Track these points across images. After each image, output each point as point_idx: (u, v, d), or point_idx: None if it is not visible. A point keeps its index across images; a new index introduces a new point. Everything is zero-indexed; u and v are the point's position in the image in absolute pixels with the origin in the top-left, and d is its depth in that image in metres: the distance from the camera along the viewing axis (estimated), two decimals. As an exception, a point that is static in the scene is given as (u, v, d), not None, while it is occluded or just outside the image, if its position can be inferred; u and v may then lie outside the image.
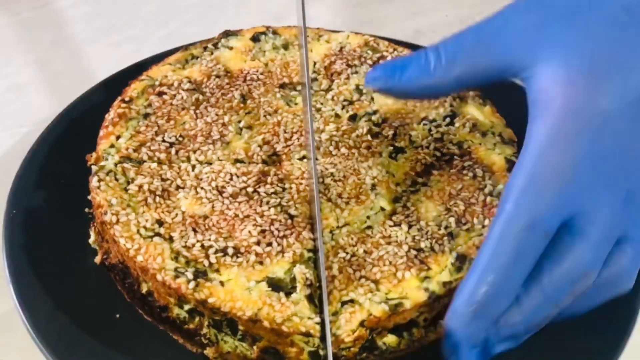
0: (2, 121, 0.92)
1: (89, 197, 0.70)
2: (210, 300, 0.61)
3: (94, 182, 0.68)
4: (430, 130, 0.75)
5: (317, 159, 0.72)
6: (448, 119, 0.76)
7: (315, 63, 0.81)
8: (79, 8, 1.10)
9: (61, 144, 0.79)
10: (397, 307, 0.61)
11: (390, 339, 0.63)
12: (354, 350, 0.62)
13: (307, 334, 0.60)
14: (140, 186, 0.68)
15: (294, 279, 0.63)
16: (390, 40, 0.85)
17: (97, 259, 0.70)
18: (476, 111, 0.77)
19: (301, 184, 0.70)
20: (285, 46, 0.83)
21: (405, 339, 0.64)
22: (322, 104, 0.77)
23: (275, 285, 0.62)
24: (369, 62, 0.81)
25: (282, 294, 0.62)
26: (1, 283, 0.69)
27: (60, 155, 0.78)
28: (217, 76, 0.79)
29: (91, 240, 0.71)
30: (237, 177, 0.70)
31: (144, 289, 0.65)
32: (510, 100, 0.82)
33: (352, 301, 0.62)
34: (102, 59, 1.02)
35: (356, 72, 0.80)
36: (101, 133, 0.73)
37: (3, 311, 0.72)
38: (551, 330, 0.62)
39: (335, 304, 0.62)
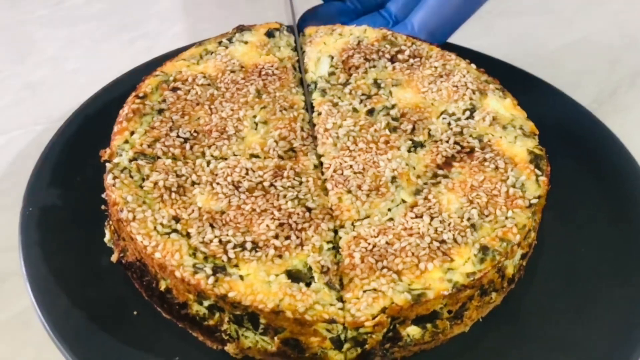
0: (17, 119, 0.94)
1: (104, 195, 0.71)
2: (230, 294, 0.62)
3: (108, 179, 0.69)
4: (450, 124, 0.75)
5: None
6: (468, 113, 0.77)
7: (332, 57, 0.81)
8: (92, 6, 1.13)
9: (76, 142, 0.81)
10: (420, 297, 0.62)
11: (414, 330, 0.65)
12: (376, 337, 0.63)
13: (331, 321, 0.61)
14: (156, 183, 0.69)
15: (311, 269, 0.64)
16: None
17: (114, 258, 0.71)
18: (497, 104, 0.78)
19: (318, 177, 0.71)
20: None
21: (429, 331, 0.65)
22: (339, 98, 0.77)
23: (294, 276, 0.63)
24: (387, 56, 0.82)
25: (302, 284, 0.63)
26: (18, 281, 0.71)
27: (76, 153, 0.80)
28: (232, 71, 0.80)
29: (106, 238, 0.73)
30: (253, 171, 0.71)
31: (163, 286, 0.66)
32: (531, 93, 0.83)
33: (374, 290, 0.62)
34: (116, 57, 1.04)
35: (374, 66, 0.81)
36: (115, 129, 0.74)
37: (20, 308, 0.73)
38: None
39: (356, 292, 0.63)
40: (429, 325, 0.65)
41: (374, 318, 0.61)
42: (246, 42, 0.83)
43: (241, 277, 0.62)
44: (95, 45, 1.06)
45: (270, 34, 0.84)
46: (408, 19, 0.86)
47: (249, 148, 0.73)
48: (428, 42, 0.84)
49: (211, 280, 0.62)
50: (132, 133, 0.73)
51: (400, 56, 0.82)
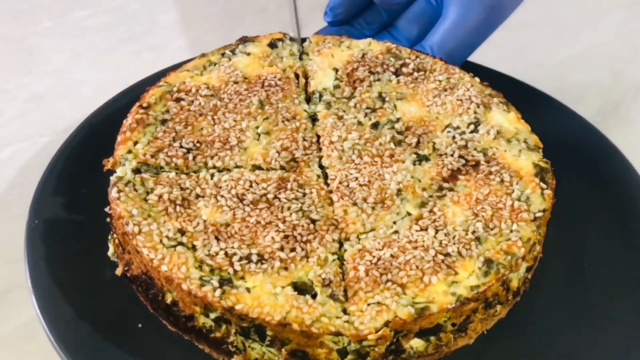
0: (22, 130, 0.95)
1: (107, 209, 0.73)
2: (237, 307, 0.63)
3: (113, 193, 0.71)
4: (454, 137, 0.76)
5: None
6: (472, 126, 0.78)
7: (337, 70, 0.81)
8: (98, 18, 1.14)
9: (82, 154, 0.82)
10: (423, 311, 0.63)
11: (417, 343, 0.66)
12: (379, 350, 0.64)
13: (337, 334, 0.62)
14: (160, 196, 0.70)
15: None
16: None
17: (118, 271, 0.72)
18: (501, 118, 0.79)
19: (322, 188, 0.72)
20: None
21: (432, 343, 0.67)
22: (344, 111, 0.78)
23: (300, 288, 0.65)
24: (392, 69, 0.82)
25: (308, 296, 0.64)
26: (23, 292, 0.72)
27: (81, 165, 0.81)
28: (235, 82, 0.81)
29: (110, 252, 0.74)
30: (257, 184, 0.72)
31: (169, 299, 0.68)
32: (534, 107, 0.83)
33: (378, 303, 0.64)
34: (123, 68, 1.05)
35: (379, 80, 0.82)
36: (119, 139, 0.76)
37: (25, 320, 0.74)
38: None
39: (361, 305, 0.64)
40: (432, 338, 0.66)
41: (377, 331, 0.62)
42: (249, 54, 0.84)
43: (248, 290, 0.64)
44: (101, 57, 1.07)
45: (273, 45, 0.86)
46: (425, 41, 0.87)
47: (252, 158, 0.74)
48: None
49: (218, 292, 0.63)
50: (135, 143, 0.75)
51: (404, 69, 0.83)
